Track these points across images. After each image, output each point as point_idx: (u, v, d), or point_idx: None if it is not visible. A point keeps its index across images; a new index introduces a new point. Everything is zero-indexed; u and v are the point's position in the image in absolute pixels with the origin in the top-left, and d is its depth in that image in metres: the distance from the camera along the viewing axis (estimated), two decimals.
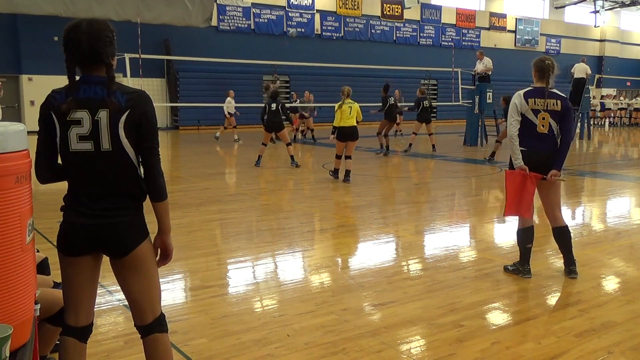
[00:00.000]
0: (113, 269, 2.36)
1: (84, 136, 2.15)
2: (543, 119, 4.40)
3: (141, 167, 2.28)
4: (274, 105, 11.63)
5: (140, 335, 2.42)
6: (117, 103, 2.15)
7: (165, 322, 2.45)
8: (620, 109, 30.53)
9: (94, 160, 2.17)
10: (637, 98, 30.50)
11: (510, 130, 4.47)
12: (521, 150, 4.42)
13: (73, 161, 2.19)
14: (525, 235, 4.62)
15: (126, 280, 2.34)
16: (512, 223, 6.97)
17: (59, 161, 2.27)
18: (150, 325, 2.38)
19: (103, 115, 2.14)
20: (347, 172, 9.69)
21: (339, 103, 9.76)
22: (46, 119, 2.18)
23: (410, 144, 15.09)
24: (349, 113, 9.61)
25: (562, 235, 4.59)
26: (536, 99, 4.41)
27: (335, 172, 9.99)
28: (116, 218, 2.22)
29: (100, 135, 2.15)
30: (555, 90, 4.53)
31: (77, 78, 2.22)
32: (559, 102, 4.43)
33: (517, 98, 4.46)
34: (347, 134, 9.64)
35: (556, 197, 4.61)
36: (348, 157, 9.75)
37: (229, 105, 17.84)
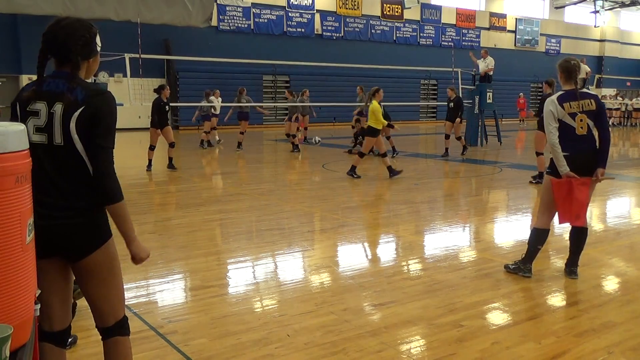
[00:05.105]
0: (72, 271, 2.29)
1: (39, 128, 2.15)
2: (581, 120, 4.36)
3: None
4: None
5: (100, 337, 2.36)
6: (72, 98, 2.14)
7: (128, 325, 2.37)
8: (617, 109, 30.55)
9: (48, 153, 2.15)
10: (637, 98, 30.51)
11: (551, 139, 4.38)
12: (564, 155, 4.36)
13: (32, 154, 2.12)
14: (539, 237, 4.61)
15: (84, 284, 2.27)
16: (512, 223, 6.98)
17: None
18: (112, 327, 2.32)
19: (58, 108, 2.14)
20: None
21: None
22: (13, 111, 2.21)
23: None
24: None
25: (580, 236, 4.57)
26: (571, 102, 4.36)
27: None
28: (66, 219, 2.14)
29: (54, 128, 2.14)
30: (585, 90, 4.51)
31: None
32: (592, 101, 4.41)
33: (552, 105, 4.39)
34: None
35: (588, 197, 4.57)
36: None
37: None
